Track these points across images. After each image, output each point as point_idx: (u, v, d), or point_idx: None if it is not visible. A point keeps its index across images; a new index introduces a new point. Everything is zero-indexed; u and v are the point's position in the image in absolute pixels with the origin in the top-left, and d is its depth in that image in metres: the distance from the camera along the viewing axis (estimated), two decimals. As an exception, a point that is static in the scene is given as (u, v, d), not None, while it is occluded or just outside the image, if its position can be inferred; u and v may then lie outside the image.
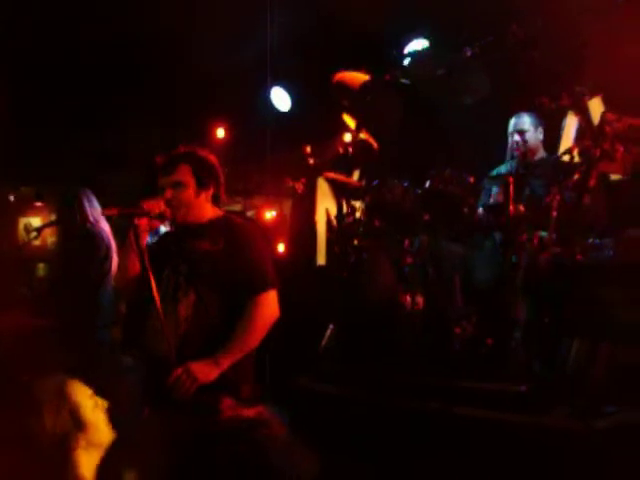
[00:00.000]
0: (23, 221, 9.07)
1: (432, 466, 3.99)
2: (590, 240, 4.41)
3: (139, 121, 6.77)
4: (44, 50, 6.45)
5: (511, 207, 4.37)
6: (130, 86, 6.64)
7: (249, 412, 3.24)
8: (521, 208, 4.40)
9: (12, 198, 9.15)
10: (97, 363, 4.83)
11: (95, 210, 5.09)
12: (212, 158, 3.54)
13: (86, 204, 5.06)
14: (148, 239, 3.51)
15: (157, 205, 3.34)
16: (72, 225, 5.11)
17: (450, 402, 4.17)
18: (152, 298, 3.21)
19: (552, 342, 4.25)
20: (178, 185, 3.42)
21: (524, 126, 5.20)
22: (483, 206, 4.83)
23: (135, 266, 3.36)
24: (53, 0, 5.95)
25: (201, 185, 3.43)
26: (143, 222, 3.32)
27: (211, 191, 3.48)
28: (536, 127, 5.23)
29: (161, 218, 3.38)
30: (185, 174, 3.42)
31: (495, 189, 4.93)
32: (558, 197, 4.29)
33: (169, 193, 3.42)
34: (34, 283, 7.62)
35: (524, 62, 4.95)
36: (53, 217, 5.87)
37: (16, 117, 7.01)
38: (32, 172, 8.17)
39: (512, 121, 5.25)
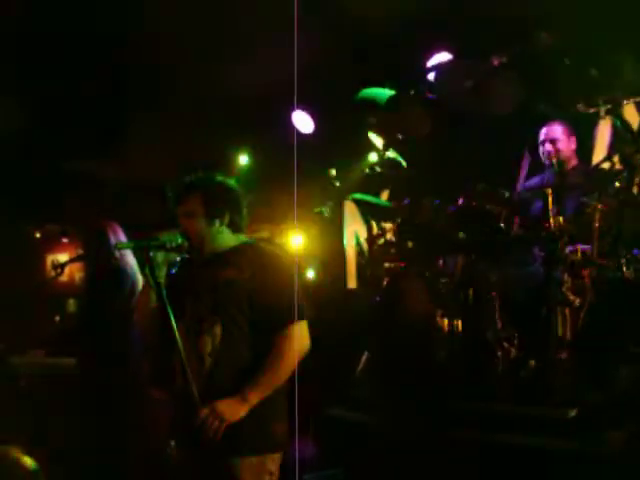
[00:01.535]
0: (50, 258, 9.09)
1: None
2: (637, 252, 4.23)
3: (162, 149, 6.72)
4: (65, 80, 6.45)
5: (551, 220, 4.19)
6: (153, 113, 6.60)
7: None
8: (561, 220, 4.21)
9: (38, 235, 9.19)
10: (127, 399, 4.73)
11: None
12: (228, 184, 3.39)
13: (112, 237, 4.98)
14: (171, 270, 3.38)
15: (175, 236, 3.21)
16: (98, 260, 5.04)
17: (493, 429, 4.02)
18: (173, 333, 3.07)
19: (601, 362, 4.04)
20: (188, 215, 3.28)
21: (556, 134, 5.05)
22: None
23: (154, 301, 3.23)
24: (77, 28, 5.92)
25: (212, 214, 3.28)
26: (158, 255, 3.20)
27: (227, 219, 3.32)
28: (569, 136, 5.09)
29: (178, 250, 3.25)
30: (195, 204, 3.28)
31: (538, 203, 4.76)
32: (600, 207, 4.11)
33: (182, 224, 3.29)
34: (65, 320, 7.61)
35: (555, 69, 4.82)
36: (80, 252, 5.81)
37: (37, 154, 7.04)
38: (56, 208, 8.16)
39: (543, 130, 5.11)
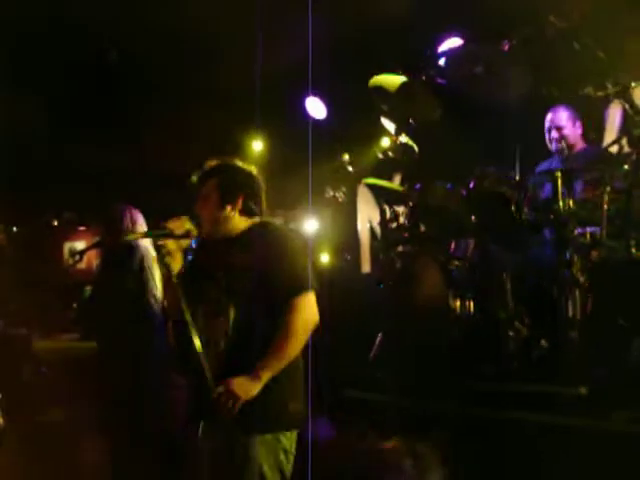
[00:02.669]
0: (68, 245, 9.16)
1: (487, 472, 3.88)
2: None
3: (177, 137, 6.78)
4: (81, 72, 6.51)
5: (560, 203, 4.23)
6: (168, 102, 6.65)
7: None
8: (570, 204, 4.25)
9: (56, 223, 9.27)
10: (147, 380, 4.79)
11: (141, 227, 5.05)
12: (248, 169, 3.44)
13: (131, 222, 5.02)
14: (188, 255, 3.45)
15: (181, 224, 3.26)
16: (116, 245, 5.07)
17: (505, 407, 4.06)
18: (184, 315, 3.15)
19: (611, 341, 4.08)
20: (204, 199, 3.35)
21: (561, 122, 5.05)
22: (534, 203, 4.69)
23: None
24: (86, 22, 5.97)
25: (225, 198, 3.33)
26: (169, 243, 3.25)
27: (239, 203, 3.36)
28: (574, 121, 5.07)
29: (186, 237, 3.31)
30: (210, 188, 3.34)
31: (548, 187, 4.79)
32: (608, 190, 4.15)
33: (198, 207, 3.36)
34: (81, 306, 7.67)
35: (564, 53, 4.83)
36: (97, 239, 5.87)
37: (55, 143, 7.11)
38: (74, 197, 8.24)
39: (548, 116, 5.10)
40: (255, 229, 3.36)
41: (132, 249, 4.89)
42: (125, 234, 4.90)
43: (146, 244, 4.91)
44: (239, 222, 3.36)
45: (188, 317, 3.15)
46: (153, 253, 4.81)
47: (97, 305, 5.17)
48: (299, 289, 3.19)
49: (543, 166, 5.22)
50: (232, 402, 3.08)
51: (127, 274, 4.82)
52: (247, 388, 3.10)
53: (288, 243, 3.31)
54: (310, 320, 3.22)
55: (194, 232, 3.29)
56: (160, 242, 3.23)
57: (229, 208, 3.33)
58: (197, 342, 3.12)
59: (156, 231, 3.27)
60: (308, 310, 3.21)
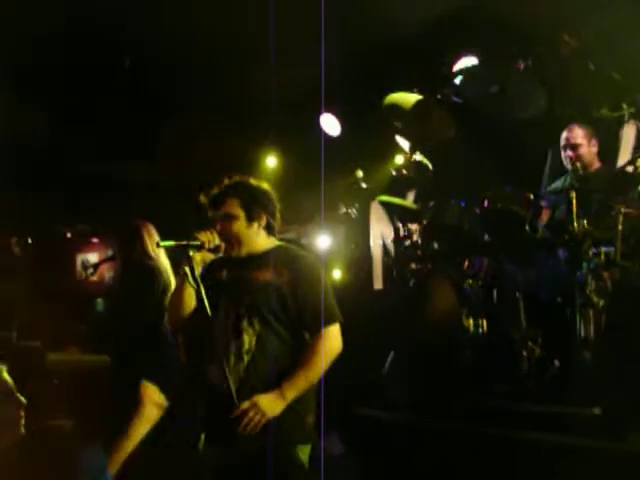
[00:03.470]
0: (80, 258, 9.17)
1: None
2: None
3: (193, 152, 6.80)
4: (96, 86, 6.56)
5: (575, 223, 4.23)
6: (184, 118, 6.69)
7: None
8: (585, 224, 4.25)
9: (69, 235, 9.28)
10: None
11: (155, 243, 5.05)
12: (264, 186, 3.49)
13: (146, 237, 5.03)
14: (202, 270, 3.47)
15: (213, 237, 3.31)
16: (131, 259, 5.08)
17: (518, 426, 4.06)
18: (211, 331, 3.18)
19: (624, 362, 4.07)
20: (227, 218, 3.37)
21: (577, 140, 4.99)
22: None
23: (190, 300, 3.32)
24: (107, 32, 6.03)
25: (252, 216, 3.38)
26: (197, 255, 3.30)
27: (264, 221, 3.42)
28: (589, 140, 5.01)
29: (216, 251, 3.34)
30: (234, 206, 3.37)
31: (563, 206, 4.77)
32: (623, 210, 4.15)
33: (219, 226, 3.38)
34: (93, 319, 7.69)
35: (579, 73, 4.84)
36: (110, 252, 5.87)
37: (70, 154, 7.15)
38: (88, 209, 8.27)
39: (564, 135, 5.04)
40: (282, 252, 3.41)
41: (154, 271, 4.89)
42: (145, 249, 4.91)
43: (167, 265, 4.92)
44: (263, 240, 3.42)
45: (216, 330, 3.20)
46: (172, 277, 4.82)
47: (112, 319, 5.18)
48: (329, 320, 3.29)
49: (556, 184, 5.19)
50: (259, 418, 3.13)
51: (150, 297, 4.83)
52: (274, 406, 3.17)
53: (320, 274, 3.39)
54: (336, 350, 3.32)
55: (222, 247, 3.34)
56: (191, 253, 3.26)
57: (256, 225, 3.38)
58: (222, 355, 3.17)
59: (191, 242, 3.29)
60: (336, 340, 3.32)
